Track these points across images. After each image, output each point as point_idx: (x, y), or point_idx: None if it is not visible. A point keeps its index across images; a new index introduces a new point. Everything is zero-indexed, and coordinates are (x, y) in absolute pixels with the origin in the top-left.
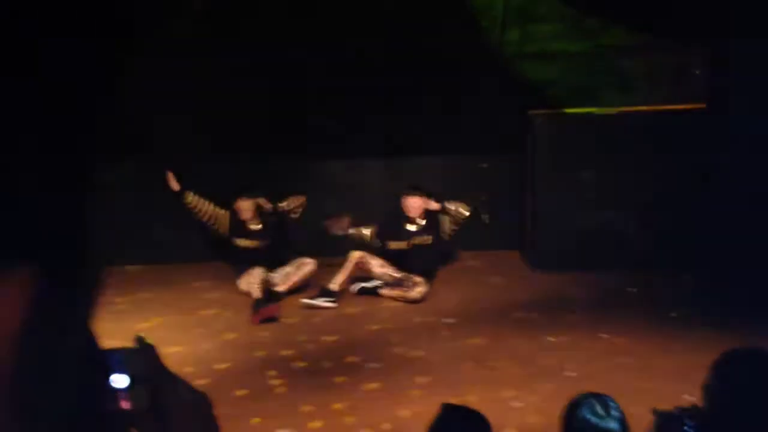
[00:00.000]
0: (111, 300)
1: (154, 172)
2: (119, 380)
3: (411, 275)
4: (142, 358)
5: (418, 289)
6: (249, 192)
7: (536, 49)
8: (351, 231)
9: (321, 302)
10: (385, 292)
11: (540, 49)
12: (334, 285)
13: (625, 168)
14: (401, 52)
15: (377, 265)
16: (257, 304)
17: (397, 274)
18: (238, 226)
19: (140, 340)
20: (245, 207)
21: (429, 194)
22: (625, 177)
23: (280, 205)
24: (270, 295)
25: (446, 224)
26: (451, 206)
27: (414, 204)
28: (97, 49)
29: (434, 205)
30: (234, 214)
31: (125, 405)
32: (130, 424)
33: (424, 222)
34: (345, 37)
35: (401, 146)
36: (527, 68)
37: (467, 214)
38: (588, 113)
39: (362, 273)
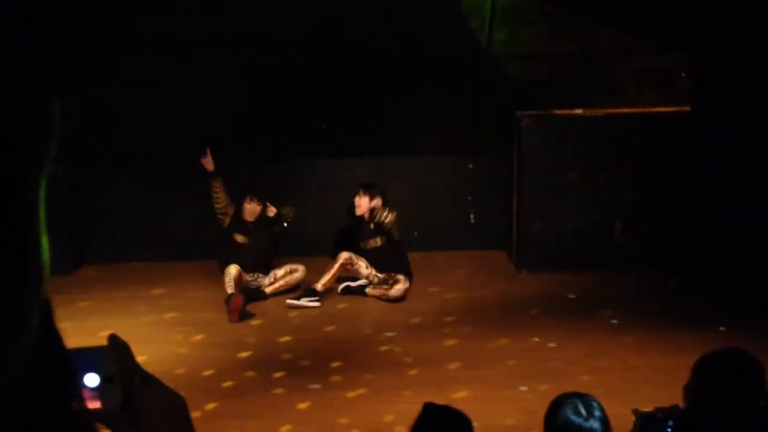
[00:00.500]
0: (92, 298)
1: (138, 171)
2: (90, 379)
3: (394, 274)
4: (114, 357)
5: (398, 287)
6: (259, 196)
7: (524, 51)
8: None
9: (305, 302)
10: (369, 290)
11: (528, 50)
12: (319, 285)
13: (611, 169)
14: (389, 51)
15: (364, 266)
16: (227, 301)
17: (381, 274)
18: (238, 222)
19: (113, 339)
20: (250, 209)
21: (373, 193)
22: (610, 178)
23: (283, 211)
24: (246, 293)
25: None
26: (380, 213)
27: (359, 203)
28: (77, 48)
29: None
30: (238, 211)
31: (96, 404)
32: (102, 424)
33: (372, 223)
34: (335, 36)
35: (389, 146)
36: (515, 69)
37: (386, 220)
38: (575, 115)
39: (349, 273)
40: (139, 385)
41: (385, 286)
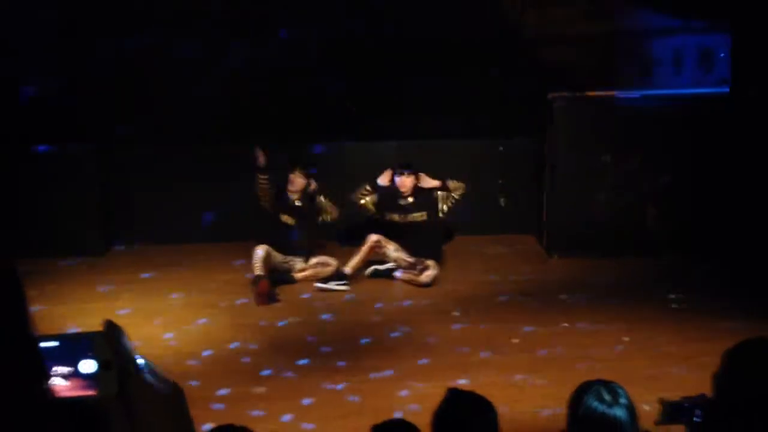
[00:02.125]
0: (122, 278)
1: (170, 153)
2: (86, 366)
3: (423, 259)
4: (110, 344)
5: (428, 273)
6: (304, 167)
7: (557, 32)
8: (360, 200)
9: (333, 285)
10: (397, 275)
11: (560, 31)
12: (348, 268)
13: (645, 153)
14: (420, 34)
15: (392, 249)
16: (254, 283)
17: (411, 258)
18: (284, 204)
19: (109, 325)
20: (292, 179)
21: (418, 172)
22: (644, 162)
23: (320, 198)
24: (276, 275)
25: (443, 202)
26: (451, 184)
27: (404, 181)
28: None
29: (433, 183)
30: (282, 193)
31: (92, 392)
32: (98, 411)
33: (412, 199)
34: (365, 18)
35: (419, 128)
36: (547, 51)
37: (463, 192)
38: (609, 97)
39: (377, 256)
40: (134, 373)
41: (415, 272)
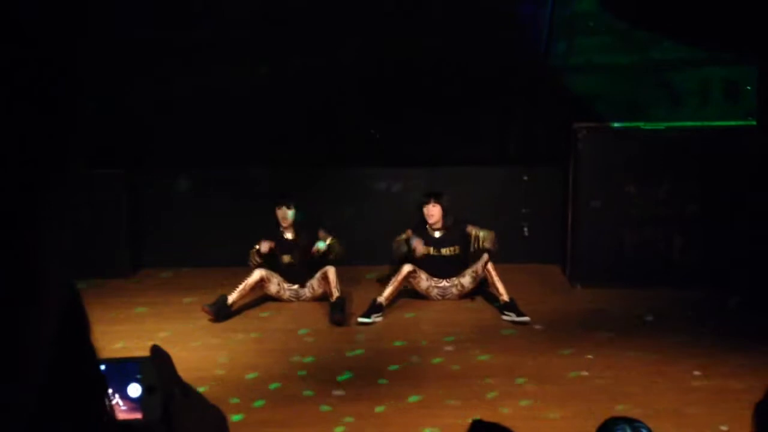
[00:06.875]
0: (150, 301)
1: (196, 177)
2: (133, 390)
3: (456, 278)
4: (156, 368)
5: (466, 279)
6: (287, 201)
7: (583, 62)
8: (404, 241)
9: (375, 318)
10: (452, 291)
11: (587, 61)
12: (382, 299)
13: (670, 184)
14: (445, 61)
15: (425, 278)
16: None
17: (441, 284)
18: (280, 244)
19: (156, 350)
20: (281, 215)
21: (445, 203)
22: (670, 193)
23: (321, 235)
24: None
25: (474, 242)
26: (481, 233)
27: (430, 212)
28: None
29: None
30: (277, 235)
31: (137, 415)
32: None
33: (441, 233)
34: (388, 46)
35: (443, 156)
36: (574, 81)
37: (491, 242)
38: (634, 127)
39: (410, 286)
40: (179, 397)
41: (453, 285)
